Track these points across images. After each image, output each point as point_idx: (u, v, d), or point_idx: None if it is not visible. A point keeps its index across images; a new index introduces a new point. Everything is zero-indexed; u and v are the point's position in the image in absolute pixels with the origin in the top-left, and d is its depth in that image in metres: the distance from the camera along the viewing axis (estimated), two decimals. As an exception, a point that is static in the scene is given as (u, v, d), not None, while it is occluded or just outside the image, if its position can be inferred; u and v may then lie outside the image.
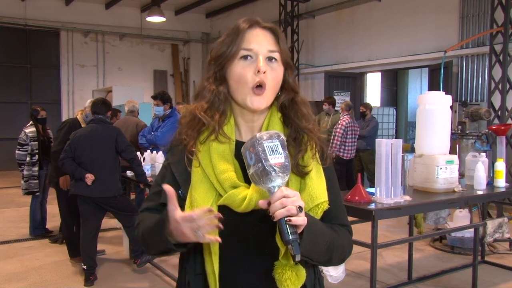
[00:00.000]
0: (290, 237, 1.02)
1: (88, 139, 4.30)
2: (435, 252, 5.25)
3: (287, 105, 1.25)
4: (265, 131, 1.14)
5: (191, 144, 1.21)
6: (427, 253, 5.22)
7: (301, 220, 1.04)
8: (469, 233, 4.89)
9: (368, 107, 8.66)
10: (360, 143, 7.85)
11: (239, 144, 1.19)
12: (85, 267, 4.29)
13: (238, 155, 1.17)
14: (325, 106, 8.08)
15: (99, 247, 4.83)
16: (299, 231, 1.05)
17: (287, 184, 1.10)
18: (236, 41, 1.20)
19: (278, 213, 1.02)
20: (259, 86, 1.17)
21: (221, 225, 1.07)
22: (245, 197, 1.13)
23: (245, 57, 1.19)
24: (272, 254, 1.15)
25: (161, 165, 4.66)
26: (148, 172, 4.70)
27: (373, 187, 3.15)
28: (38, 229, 5.89)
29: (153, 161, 4.95)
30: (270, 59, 1.20)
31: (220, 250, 1.17)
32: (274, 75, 1.20)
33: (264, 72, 1.17)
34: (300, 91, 1.29)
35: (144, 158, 4.93)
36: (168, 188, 1.10)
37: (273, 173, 1.03)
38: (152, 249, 1.25)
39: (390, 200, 2.94)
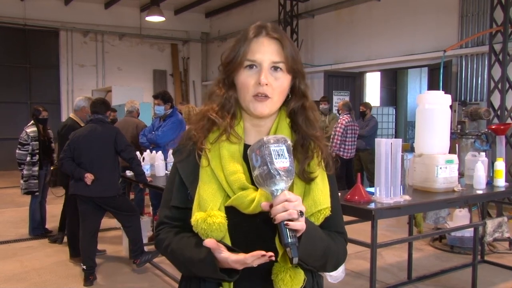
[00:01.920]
0: (289, 240, 1.05)
1: (87, 139, 4.30)
2: (434, 251, 5.25)
3: (296, 110, 1.28)
4: (273, 135, 1.17)
5: (200, 141, 1.24)
6: (427, 252, 5.22)
7: (299, 225, 1.06)
8: (468, 233, 4.89)
9: (368, 106, 8.65)
10: (359, 142, 7.85)
11: (247, 148, 1.20)
12: (84, 267, 4.29)
13: (246, 158, 1.19)
14: (325, 106, 8.09)
15: (99, 247, 4.83)
16: (298, 235, 1.08)
17: (291, 188, 1.13)
18: (241, 50, 1.22)
19: (279, 216, 1.04)
20: (261, 95, 1.20)
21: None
22: (253, 199, 1.15)
23: (250, 66, 1.22)
24: (276, 256, 1.16)
25: (160, 165, 4.63)
26: (147, 172, 4.70)
27: (373, 186, 3.15)
28: (38, 229, 5.89)
29: (152, 161, 4.95)
30: (275, 68, 1.22)
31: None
32: (277, 85, 1.22)
33: (266, 84, 1.20)
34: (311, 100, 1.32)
35: (143, 158, 4.93)
36: (210, 242, 1.11)
37: (277, 177, 1.06)
38: (192, 274, 1.23)
39: (389, 200, 2.93)
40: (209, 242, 1.11)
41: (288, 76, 1.24)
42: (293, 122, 1.28)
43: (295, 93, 1.28)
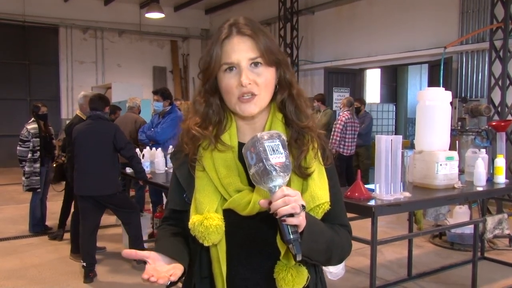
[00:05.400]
0: (291, 236, 1.03)
1: (86, 136, 4.29)
2: (434, 248, 5.25)
3: (285, 101, 1.25)
4: (266, 131, 1.14)
5: (192, 152, 1.23)
6: (427, 249, 5.22)
7: (297, 220, 1.04)
8: (468, 230, 4.88)
9: (362, 102, 8.64)
10: (356, 139, 7.82)
11: (242, 147, 1.18)
12: (84, 264, 4.29)
13: (242, 158, 1.16)
14: (316, 104, 8.06)
15: (99, 244, 4.83)
16: (300, 230, 1.06)
17: (289, 185, 1.10)
18: (215, 54, 1.19)
19: (282, 210, 1.02)
20: (246, 96, 1.18)
21: None
22: (249, 201, 1.14)
23: (229, 69, 1.19)
24: (278, 255, 1.16)
25: (160, 162, 4.65)
26: (147, 169, 4.69)
27: (366, 182, 3.15)
28: (38, 226, 5.88)
29: (152, 158, 4.94)
30: (255, 64, 1.19)
31: (227, 252, 1.18)
32: (261, 80, 1.19)
33: (250, 84, 1.17)
34: (299, 86, 1.29)
35: (143, 155, 4.92)
36: (126, 253, 1.15)
37: (274, 173, 1.03)
38: None
39: (389, 197, 2.93)
40: (125, 253, 1.13)
41: (270, 69, 1.21)
42: (286, 117, 1.25)
43: (281, 84, 1.25)
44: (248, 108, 1.19)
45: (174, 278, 1.10)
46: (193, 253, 1.25)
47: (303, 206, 1.04)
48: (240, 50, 1.18)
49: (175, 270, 1.11)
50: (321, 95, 8.42)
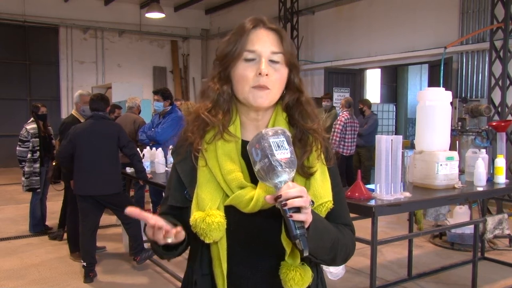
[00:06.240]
0: (298, 231, 1.02)
1: (89, 136, 4.28)
2: (435, 248, 5.25)
3: (291, 105, 1.26)
4: (271, 127, 1.14)
5: (197, 142, 1.22)
6: (427, 249, 5.22)
7: (305, 216, 1.03)
8: (469, 230, 4.89)
9: (366, 103, 8.56)
10: (357, 140, 7.83)
11: (245, 144, 1.18)
12: (84, 264, 4.28)
13: (245, 155, 1.17)
14: (327, 103, 8.07)
15: (100, 244, 4.83)
16: (306, 226, 1.05)
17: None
18: (240, 41, 1.20)
19: (295, 201, 1.01)
20: (260, 87, 1.18)
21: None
22: (252, 197, 1.13)
23: (249, 59, 1.19)
24: (279, 254, 1.15)
25: (160, 162, 4.63)
26: (147, 169, 4.69)
27: (367, 183, 3.15)
28: (38, 226, 5.89)
29: (152, 158, 4.94)
30: (273, 61, 1.20)
31: (228, 250, 1.18)
32: (277, 77, 1.20)
33: (267, 75, 1.17)
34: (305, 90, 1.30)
35: (143, 155, 4.92)
36: (131, 210, 1.12)
37: (279, 168, 1.03)
38: (158, 255, 1.29)
39: (390, 197, 2.93)
40: (130, 210, 1.11)
41: (286, 69, 1.22)
42: (290, 117, 1.26)
43: (290, 87, 1.26)
44: (260, 99, 1.19)
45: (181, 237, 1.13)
46: (194, 250, 1.25)
47: (312, 201, 1.05)
48: (265, 41, 1.20)
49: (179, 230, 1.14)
50: (330, 94, 8.47)
